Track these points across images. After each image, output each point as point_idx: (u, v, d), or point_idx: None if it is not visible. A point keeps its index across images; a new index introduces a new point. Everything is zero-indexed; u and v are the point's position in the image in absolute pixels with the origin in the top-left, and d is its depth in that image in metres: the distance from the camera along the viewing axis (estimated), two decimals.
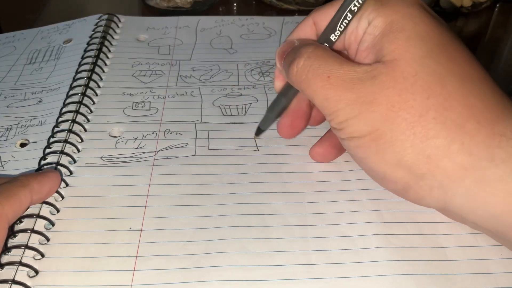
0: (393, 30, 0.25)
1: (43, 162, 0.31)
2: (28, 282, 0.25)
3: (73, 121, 0.34)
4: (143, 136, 0.34)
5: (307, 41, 0.29)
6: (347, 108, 0.25)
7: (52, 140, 0.33)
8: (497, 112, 0.24)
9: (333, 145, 0.31)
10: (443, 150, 0.24)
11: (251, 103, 0.38)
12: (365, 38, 0.27)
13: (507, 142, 0.23)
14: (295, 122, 0.32)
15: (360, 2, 0.27)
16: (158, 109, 0.37)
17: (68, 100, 0.37)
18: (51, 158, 0.32)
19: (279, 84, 0.31)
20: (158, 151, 0.33)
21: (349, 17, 0.27)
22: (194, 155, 0.33)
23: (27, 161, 0.32)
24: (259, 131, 0.33)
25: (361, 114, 0.25)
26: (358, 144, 0.26)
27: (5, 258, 0.26)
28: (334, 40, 0.28)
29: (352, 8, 0.27)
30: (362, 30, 0.27)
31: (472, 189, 0.24)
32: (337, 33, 0.28)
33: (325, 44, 0.28)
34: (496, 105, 0.24)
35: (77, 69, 0.40)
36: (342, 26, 0.27)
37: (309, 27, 0.30)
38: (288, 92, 0.30)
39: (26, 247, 0.26)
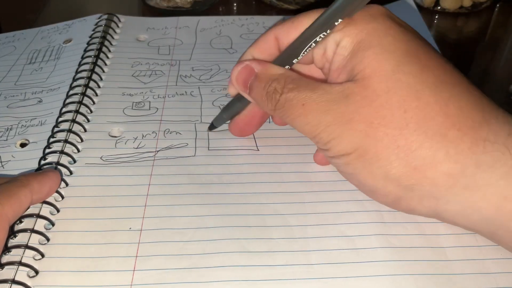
0: (361, 49, 0.26)
1: (43, 162, 0.31)
2: (28, 282, 0.25)
3: (73, 121, 0.34)
4: (143, 136, 0.34)
5: (267, 68, 0.29)
6: (328, 130, 0.26)
7: (52, 140, 0.33)
8: (477, 117, 0.24)
9: None
10: (429, 160, 0.24)
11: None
12: (335, 59, 0.27)
13: (492, 147, 0.23)
14: (246, 128, 0.33)
15: (326, 34, 0.27)
16: (158, 109, 0.37)
17: (68, 100, 0.37)
18: (51, 158, 0.32)
19: (234, 89, 0.31)
20: (158, 151, 0.33)
21: (313, 45, 0.27)
22: (194, 155, 0.33)
23: (27, 161, 0.32)
24: (212, 127, 0.35)
25: (342, 133, 0.25)
26: (345, 161, 0.26)
27: (5, 258, 0.26)
28: (294, 63, 0.28)
29: (317, 40, 0.27)
30: (332, 51, 0.27)
31: (462, 196, 0.24)
32: (300, 58, 0.28)
33: (287, 66, 0.28)
34: (475, 110, 0.24)
35: (77, 69, 0.40)
36: (305, 52, 0.28)
37: (271, 41, 0.30)
38: (243, 99, 0.31)
39: (26, 247, 0.26)
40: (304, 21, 0.28)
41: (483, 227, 0.25)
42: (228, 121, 0.34)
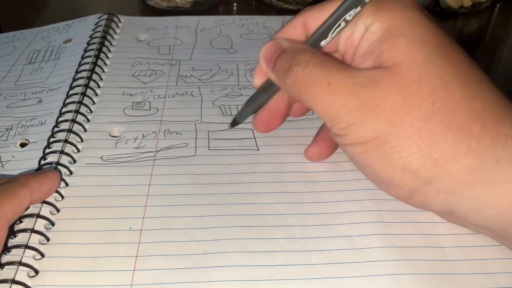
0: (392, 35, 0.25)
1: (43, 162, 0.31)
2: (28, 282, 0.25)
3: (73, 121, 0.34)
4: (143, 136, 0.34)
5: (297, 44, 0.28)
6: (350, 114, 0.25)
7: (52, 140, 0.33)
8: (500, 114, 0.24)
9: (328, 144, 0.32)
10: (451, 153, 0.24)
11: None
12: (362, 44, 0.26)
13: None
14: (271, 120, 0.32)
15: (356, 12, 0.26)
16: (158, 109, 0.37)
17: (68, 100, 0.37)
18: (51, 158, 0.32)
19: (259, 80, 0.31)
20: (158, 151, 0.33)
21: (342, 25, 0.27)
22: (194, 155, 0.33)
23: (27, 161, 0.32)
24: (234, 123, 0.33)
25: (365, 120, 0.25)
26: (362, 150, 0.25)
27: (5, 258, 0.26)
28: (323, 46, 0.28)
29: (347, 18, 0.26)
30: (359, 35, 0.27)
31: (479, 191, 0.24)
32: (328, 39, 0.27)
33: (315, 48, 0.27)
34: (498, 107, 0.24)
35: (77, 69, 0.40)
36: (334, 33, 0.27)
37: (299, 27, 0.29)
38: (269, 89, 0.30)
39: (26, 247, 0.26)
40: (334, 4, 0.27)
41: (495, 224, 0.25)
42: (251, 116, 0.33)
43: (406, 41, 0.25)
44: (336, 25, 0.26)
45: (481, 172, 0.23)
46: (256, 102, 0.31)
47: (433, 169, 0.24)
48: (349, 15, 0.26)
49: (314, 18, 0.28)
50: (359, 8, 0.26)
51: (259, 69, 0.30)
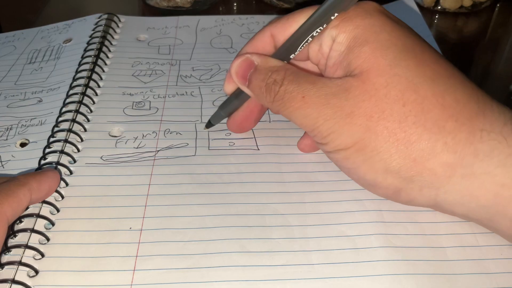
0: (357, 44, 0.26)
1: (43, 161, 0.31)
2: (28, 282, 0.25)
3: (73, 120, 0.34)
4: (143, 136, 0.34)
5: (268, 61, 0.29)
6: (327, 123, 0.26)
7: (52, 139, 0.33)
8: (473, 108, 0.25)
9: None
10: (428, 151, 0.24)
11: None
12: (331, 55, 0.27)
13: (488, 136, 0.24)
14: (244, 124, 0.33)
15: (322, 28, 0.27)
16: (158, 108, 0.37)
17: (68, 100, 0.37)
18: (51, 158, 0.32)
19: (229, 87, 0.32)
20: (158, 151, 0.33)
21: (309, 40, 0.28)
22: (194, 155, 0.33)
23: (27, 160, 0.32)
24: (209, 125, 0.35)
25: (341, 127, 0.26)
26: (344, 156, 0.26)
27: (5, 258, 0.26)
28: (291, 58, 0.29)
29: (314, 34, 0.27)
30: (327, 47, 0.28)
31: (461, 185, 0.24)
32: (297, 53, 0.28)
33: (284, 61, 0.29)
34: (471, 101, 0.25)
35: (77, 68, 0.40)
36: (302, 47, 0.28)
37: (267, 38, 0.30)
38: (240, 95, 0.31)
39: (26, 246, 0.26)
40: (299, 18, 0.28)
41: (480, 215, 0.25)
42: (226, 119, 0.34)
43: (370, 48, 0.26)
44: (304, 41, 0.28)
45: (460, 166, 0.24)
46: (229, 107, 0.33)
47: (413, 168, 0.25)
48: (316, 32, 0.27)
49: (281, 30, 0.29)
50: (324, 25, 0.27)
51: (230, 77, 0.31)
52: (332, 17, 0.26)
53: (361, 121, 0.25)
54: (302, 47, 0.28)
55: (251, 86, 0.29)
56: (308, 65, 0.31)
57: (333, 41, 0.27)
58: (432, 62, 0.26)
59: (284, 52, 0.29)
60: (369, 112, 0.25)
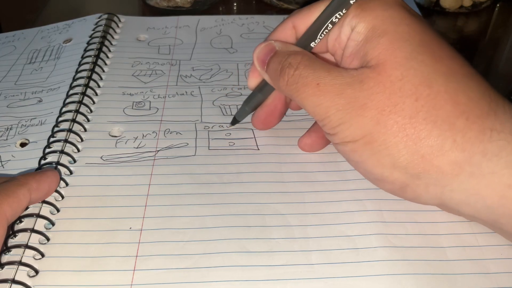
0: (376, 35, 0.26)
1: (43, 161, 0.31)
2: (28, 281, 0.25)
3: (73, 120, 0.34)
4: (143, 135, 0.34)
5: (289, 46, 0.29)
6: (338, 114, 0.26)
7: (52, 139, 0.33)
8: (485, 107, 0.24)
9: (321, 136, 0.32)
10: (437, 148, 0.24)
11: None
12: (349, 44, 0.27)
13: (498, 136, 0.24)
14: (269, 118, 0.33)
15: (342, 14, 0.27)
16: (158, 108, 0.37)
17: (68, 100, 0.37)
18: (51, 158, 0.32)
19: (253, 81, 0.32)
20: (158, 150, 0.33)
21: (329, 27, 0.28)
22: (194, 155, 0.33)
23: (27, 160, 0.32)
24: (234, 121, 0.35)
25: (352, 119, 0.25)
26: (352, 148, 0.26)
27: (5, 258, 0.26)
28: (313, 47, 0.29)
29: (334, 20, 0.27)
30: (346, 36, 0.27)
31: (467, 184, 0.24)
32: (317, 40, 0.28)
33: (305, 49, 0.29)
34: (483, 100, 0.25)
35: (77, 68, 0.40)
36: (322, 35, 0.28)
37: (289, 30, 0.30)
38: (264, 88, 0.31)
39: (26, 246, 0.26)
40: (320, 6, 0.28)
41: (485, 216, 0.25)
42: (251, 114, 0.34)
43: (388, 40, 0.25)
44: (324, 27, 0.28)
45: (468, 165, 0.24)
46: (253, 101, 0.33)
47: (420, 164, 0.25)
48: (335, 18, 0.27)
49: (303, 21, 0.29)
50: (344, 11, 0.27)
51: (254, 70, 0.31)
52: (352, 1, 0.26)
53: (373, 114, 0.25)
54: (323, 35, 0.28)
55: (268, 69, 0.29)
56: (327, 57, 0.31)
57: (352, 30, 0.27)
58: (448, 58, 0.26)
59: (305, 40, 0.29)
60: (381, 105, 0.25)
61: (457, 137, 0.24)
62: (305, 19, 0.29)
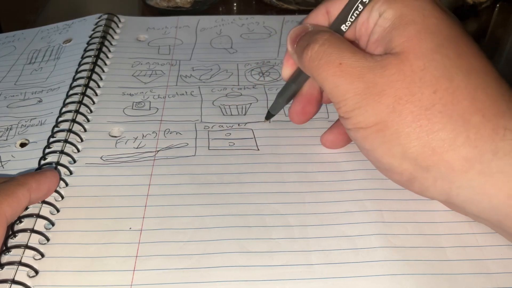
0: (403, 23, 0.26)
1: (43, 162, 0.31)
2: (28, 282, 0.25)
3: (73, 121, 0.34)
4: (143, 136, 0.34)
5: (321, 27, 0.29)
6: (355, 98, 0.25)
7: (52, 140, 0.33)
8: (502, 106, 0.24)
9: (343, 132, 0.32)
10: (449, 143, 0.24)
11: (251, 103, 0.38)
12: (375, 30, 0.27)
13: (511, 135, 0.24)
14: (306, 109, 0.33)
15: None
16: (158, 109, 0.37)
17: (68, 100, 0.37)
18: (51, 158, 0.32)
19: (287, 71, 0.32)
20: (158, 151, 0.33)
21: (360, 8, 0.28)
22: (194, 155, 0.33)
23: (27, 161, 0.32)
24: (269, 115, 0.34)
25: (368, 104, 0.25)
26: (364, 135, 0.26)
27: (5, 258, 0.26)
28: (344, 30, 0.29)
29: (364, 0, 0.27)
30: (373, 21, 0.27)
31: (476, 182, 0.24)
32: (348, 23, 0.28)
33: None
34: (501, 99, 0.25)
35: (77, 69, 0.40)
36: (352, 17, 0.28)
37: (322, 15, 0.30)
38: (299, 78, 0.31)
39: (26, 247, 0.26)
40: None
41: (491, 216, 0.25)
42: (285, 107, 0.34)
43: (415, 29, 0.25)
44: (354, 8, 0.28)
45: (478, 162, 0.24)
46: (287, 92, 0.32)
47: (430, 157, 0.24)
48: None
49: (336, 6, 0.29)
50: None
51: (287, 60, 0.31)
52: None
53: (389, 101, 0.25)
54: (353, 17, 0.28)
55: (297, 47, 0.29)
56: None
57: (380, 16, 0.27)
58: (471, 55, 0.25)
59: (337, 24, 0.29)
60: (399, 93, 0.25)
61: (471, 133, 0.24)
62: (338, 3, 0.29)
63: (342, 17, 0.28)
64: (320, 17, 0.30)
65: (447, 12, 0.27)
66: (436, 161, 0.24)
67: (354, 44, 0.29)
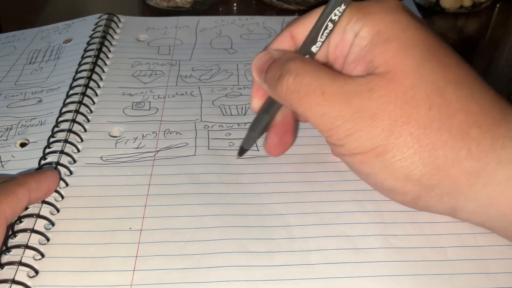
0: (382, 40, 0.25)
1: (43, 162, 0.31)
2: (28, 282, 0.25)
3: (73, 121, 0.34)
4: (143, 136, 0.34)
5: (289, 53, 0.28)
6: (346, 124, 0.24)
7: (52, 140, 0.33)
8: (496, 115, 0.24)
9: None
10: (452, 158, 0.24)
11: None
12: (352, 50, 0.26)
13: (510, 143, 0.23)
14: (284, 139, 0.31)
15: (341, 11, 0.26)
16: (158, 109, 0.37)
17: (68, 100, 0.37)
18: (51, 158, 0.32)
19: (257, 102, 0.30)
20: (158, 151, 0.33)
21: (330, 26, 0.26)
22: (194, 155, 0.33)
23: (27, 161, 0.32)
24: (242, 151, 0.32)
25: (361, 129, 0.24)
26: (361, 160, 0.25)
27: (5, 258, 0.26)
28: (315, 52, 0.27)
29: (333, 18, 0.26)
30: (349, 42, 0.26)
31: (482, 193, 0.24)
32: (318, 44, 0.27)
33: (307, 56, 0.27)
34: (494, 108, 0.24)
35: (77, 69, 0.40)
36: (323, 37, 0.27)
37: (287, 40, 0.28)
38: (271, 108, 0.29)
39: (26, 247, 0.26)
40: (317, 12, 0.27)
41: (498, 223, 0.25)
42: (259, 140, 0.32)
43: (396, 46, 0.25)
44: (324, 27, 0.26)
45: (483, 174, 0.24)
46: (260, 125, 0.30)
47: (435, 176, 0.24)
48: (335, 15, 0.26)
49: (301, 29, 0.28)
50: (343, 6, 0.26)
51: (256, 90, 0.30)
52: None
53: (385, 124, 0.24)
54: (323, 37, 0.26)
55: (267, 78, 0.27)
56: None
57: (355, 35, 0.26)
58: (455, 65, 0.25)
59: (306, 46, 0.27)
60: (394, 115, 0.24)
61: (472, 146, 0.23)
62: (303, 26, 0.27)
63: (312, 38, 0.27)
64: (285, 42, 0.28)
65: (422, 22, 0.26)
66: (441, 178, 0.24)
67: (327, 66, 0.28)
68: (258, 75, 0.28)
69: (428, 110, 0.24)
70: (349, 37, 0.26)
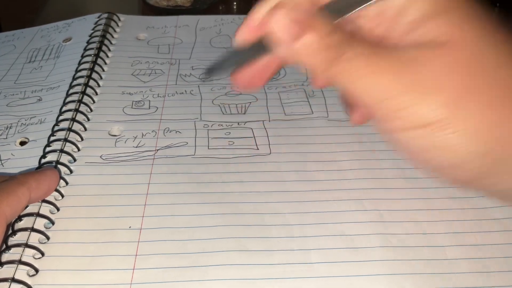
0: (439, 11, 0.23)
1: (43, 160, 0.31)
2: (28, 280, 0.25)
3: (73, 119, 0.34)
4: (142, 135, 0.34)
5: (325, 16, 0.23)
6: (404, 95, 0.22)
7: (52, 138, 0.33)
8: None
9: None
10: None
11: (250, 102, 0.38)
12: (402, 20, 0.24)
13: None
14: (255, 80, 0.27)
15: None
16: (157, 108, 0.37)
17: (68, 99, 0.37)
18: (51, 157, 0.32)
19: (247, 36, 0.24)
20: (157, 150, 0.33)
21: None
22: (194, 154, 0.33)
23: (27, 159, 0.32)
24: (209, 73, 0.25)
25: (422, 102, 0.22)
26: (418, 135, 0.23)
27: (5, 257, 0.26)
28: (347, 16, 0.23)
29: None
30: (393, 12, 0.24)
31: None
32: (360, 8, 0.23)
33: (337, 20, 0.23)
34: None
35: (77, 67, 0.40)
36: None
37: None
38: (262, 50, 0.23)
39: (26, 245, 0.26)
40: None
41: None
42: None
43: (457, 16, 0.23)
44: None
45: None
46: (241, 57, 0.25)
47: (504, 150, 0.23)
48: None
49: None
50: None
51: (255, 28, 0.24)
52: None
53: (449, 96, 0.22)
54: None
55: (299, 44, 0.22)
56: None
57: (404, 6, 0.24)
58: (508, 42, 0.24)
59: (337, 6, 0.23)
60: (460, 86, 0.22)
61: None
62: None
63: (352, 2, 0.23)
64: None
65: None
66: (511, 152, 0.22)
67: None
68: (286, 37, 0.22)
69: (493, 83, 0.23)
70: (396, 6, 0.24)
